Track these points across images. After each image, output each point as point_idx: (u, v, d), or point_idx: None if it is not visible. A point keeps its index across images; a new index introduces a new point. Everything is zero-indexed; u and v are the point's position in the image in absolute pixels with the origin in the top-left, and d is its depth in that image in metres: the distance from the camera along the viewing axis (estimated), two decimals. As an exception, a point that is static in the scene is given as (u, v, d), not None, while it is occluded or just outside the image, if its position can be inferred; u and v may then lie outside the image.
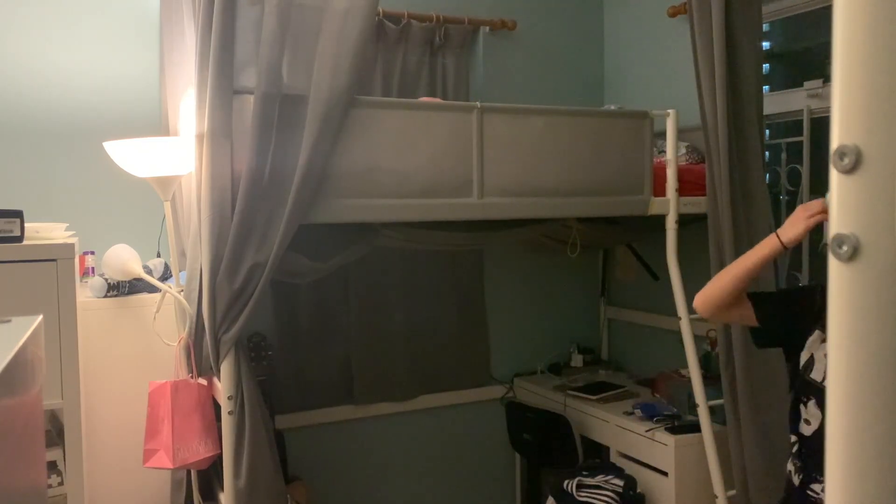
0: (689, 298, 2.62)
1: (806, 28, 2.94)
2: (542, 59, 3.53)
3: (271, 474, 2.17)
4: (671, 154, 2.63)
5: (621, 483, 2.61)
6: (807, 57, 2.97)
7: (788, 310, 1.87)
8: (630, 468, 2.74)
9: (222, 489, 2.24)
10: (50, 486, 2.07)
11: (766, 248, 1.83)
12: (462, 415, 3.40)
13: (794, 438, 1.80)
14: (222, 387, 2.15)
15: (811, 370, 1.75)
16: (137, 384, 2.46)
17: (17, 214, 1.99)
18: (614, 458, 2.85)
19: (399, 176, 2.23)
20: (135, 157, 2.31)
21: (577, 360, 3.54)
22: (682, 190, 2.65)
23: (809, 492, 1.74)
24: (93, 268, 2.70)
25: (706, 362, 2.87)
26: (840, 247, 0.53)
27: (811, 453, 1.74)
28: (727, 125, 2.45)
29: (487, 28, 3.38)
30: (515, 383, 3.48)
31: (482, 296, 3.42)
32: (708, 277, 2.56)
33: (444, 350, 3.31)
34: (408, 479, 3.32)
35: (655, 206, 2.62)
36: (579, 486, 2.62)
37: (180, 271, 2.50)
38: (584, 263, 3.58)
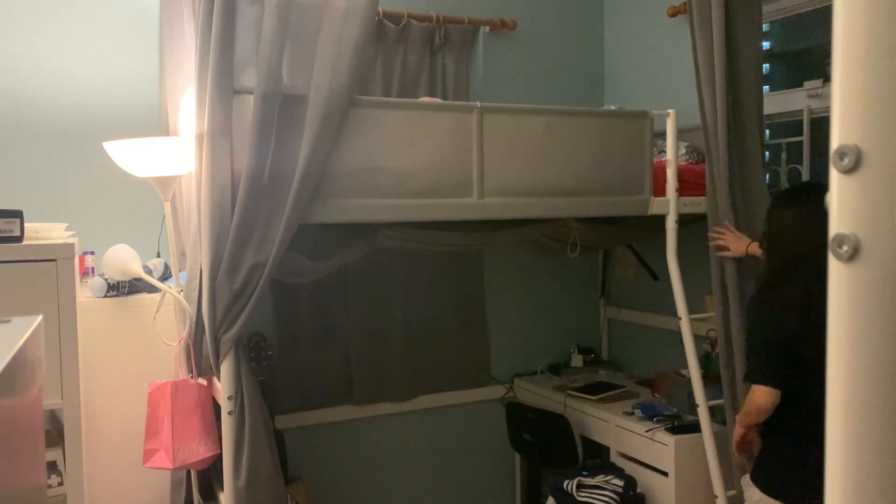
0: (689, 298, 2.63)
1: (806, 28, 2.94)
2: (542, 59, 3.53)
3: (271, 474, 2.17)
4: (671, 154, 2.63)
5: (621, 483, 2.61)
6: (807, 57, 2.97)
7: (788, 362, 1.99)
8: (630, 468, 2.74)
9: (222, 489, 2.24)
10: (50, 486, 2.07)
11: None
12: (462, 415, 3.40)
13: None
14: (222, 387, 2.15)
15: None
16: (137, 384, 2.46)
17: (17, 214, 1.99)
18: (614, 458, 2.85)
19: (399, 176, 2.23)
20: (135, 157, 2.31)
21: (577, 360, 3.54)
22: (682, 190, 2.65)
23: None
24: (93, 268, 2.70)
25: (706, 362, 2.87)
26: (840, 247, 0.53)
27: None
28: (727, 125, 2.45)
29: (487, 28, 3.38)
30: (515, 383, 3.48)
31: (482, 296, 3.42)
32: (708, 277, 2.58)
33: (444, 350, 3.31)
34: (408, 479, 3.32)
35: (655, 206, 2.62)
36: (579, 486, 2.62)
37: (180, 271, 2.50)
38: (584, 263, 3.58)
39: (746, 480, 2.15)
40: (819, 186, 2.18)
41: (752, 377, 2.05)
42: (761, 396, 1.99)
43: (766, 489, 2.05)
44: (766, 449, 2.11)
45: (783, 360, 1.98)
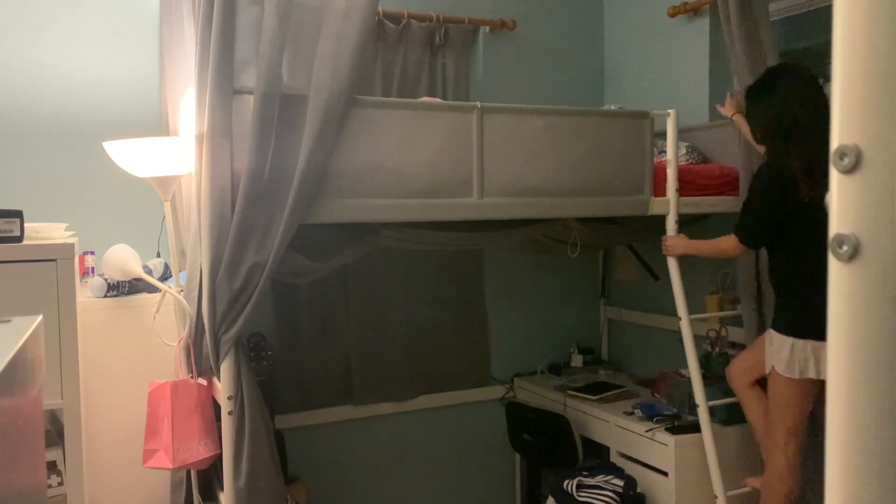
0: (690, 298, 2.63)
1: (806, 28, 2.94)
2: (542, 59, 3.53)
3: (271, 474, 2.17)
4: (671, 154, 2.63)
5: (621, 483, 2.61)
6: (807, 57, 2.97)
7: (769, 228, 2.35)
8: (630, 468, 2.74)
9: (222, 489, 2.24)
10: (50, 486, 2.07)
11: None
12: (462, 415, 3.40)
13: None
14: (222, 387, 2.15)
15: None
16: (137, 384, 2.46)
17: (17, 214, 1.98)
18: (614, 458, 2.85)
19: (399, 176, 2.23)
20: (135, 157, 2.31)
21: (577, 360, 3.54)
22: (682, 190, 2.65)
23: None
24: (93, 268, 2.70)
25: (706, 362, 2.87)
26: (840, 247, 0.53)
27: None
28: None
29: (487, 28, 3.38)
30: (515, 383, 3.48)
31: (482, 296, 3.42)
32: (708, 278, 2.58)
33: (444, 350, 3.31)
34: (408, 478, 3.32)
35: (655, 206, 2.62)
36: (579, 486, 2.62)
37: (180, 271, 2.50)
38: (584, 263, 3.58)
39: (770, 334, 2.39)
40: (782, 68, 2.41)
41: (738, 232, 2.41)
42: (731, 245, 2.41)
43: (779, 330, 2.34)
44: (779, 302, 2.42)
45: (766, 229, 2.35)
